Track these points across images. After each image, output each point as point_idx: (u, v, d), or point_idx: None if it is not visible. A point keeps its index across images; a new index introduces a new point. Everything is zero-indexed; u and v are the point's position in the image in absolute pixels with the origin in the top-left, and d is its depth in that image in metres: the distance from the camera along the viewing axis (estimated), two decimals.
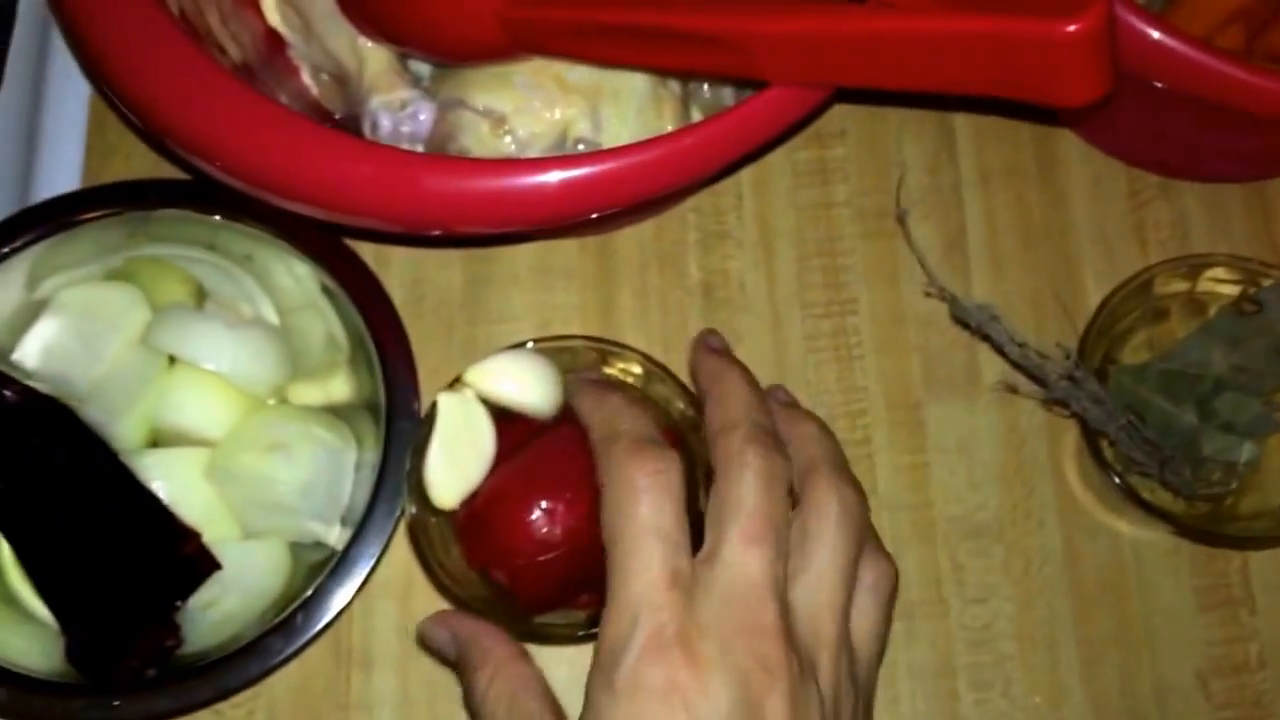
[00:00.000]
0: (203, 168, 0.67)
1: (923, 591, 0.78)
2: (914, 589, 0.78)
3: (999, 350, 0.74)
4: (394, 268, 0.82)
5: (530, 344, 0.71)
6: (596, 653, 0.53)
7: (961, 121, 0.89)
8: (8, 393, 0.70)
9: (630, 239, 0.85)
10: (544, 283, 0.84)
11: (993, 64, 0.58)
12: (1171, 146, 0.85)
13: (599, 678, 0.52)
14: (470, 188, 0.64)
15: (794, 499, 0.57)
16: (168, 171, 0.83)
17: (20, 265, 0.74)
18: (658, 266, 0.84)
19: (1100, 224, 0.86)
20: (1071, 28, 0.54)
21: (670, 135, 0.65)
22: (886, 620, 0.59)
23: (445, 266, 0.84)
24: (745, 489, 0.54)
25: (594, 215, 0.66)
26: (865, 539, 0.58)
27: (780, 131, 0.66)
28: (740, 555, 0.52)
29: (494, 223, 0.66)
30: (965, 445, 0.81)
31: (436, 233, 0.69)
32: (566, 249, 0.85)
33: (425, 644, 0.64)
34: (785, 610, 0.52)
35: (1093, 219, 0.86)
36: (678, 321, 0.83)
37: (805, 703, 0.51)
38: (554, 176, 0.64)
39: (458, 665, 0.60)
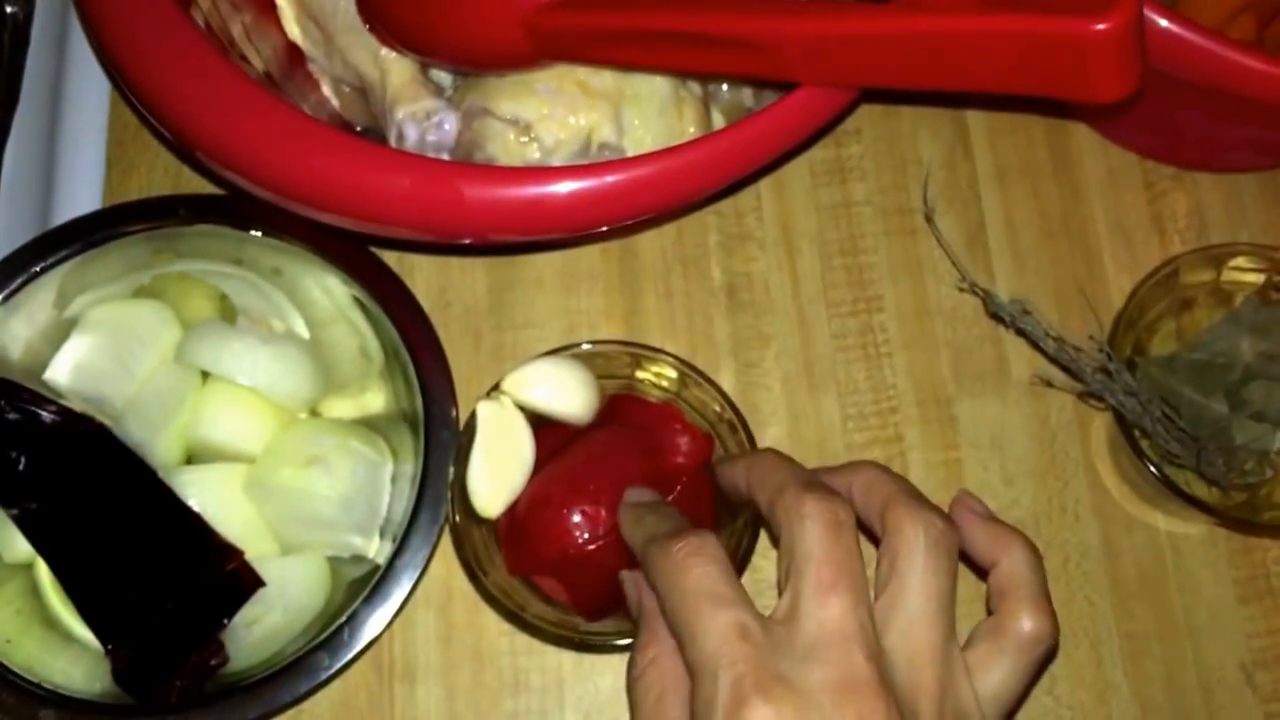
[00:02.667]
0: (238, 182, 0.67)
1: (961, 590, 0.76)
2: None
3: (1034, 344, 0.74)
4: (419, 276, 0.82)
5: (569, 349, 0.72)
6: None
7: (975, 118, 0.89)
8: (45, 413, 0.70)
9: (652, 243, 0.85)
10: (568, 287, 0.84)
11: (1023, 63, 0.58)
12: (1186, 138, 0.85)
13: None
14: (521, 196, 0.64)
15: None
16: (188, 187, 0.84)
17: (49, 284, 0.74)
18: (681, 269, 0.84)
19: (1118, 216, 0.86)
20: (1101, 26, 0.55)
21: (715, 134, 0.66)
22: (1023, 685, 0.55)
23: (470, 273, 0.84)
24: (810, 539, 0.51)
25: (644, 218, 0.66)
26: (956, 567, 0.54)
27: (816, 130, 0.67)
28: (817, 606, 0.50)
29: (544, 229, 0.67)
30: (997, 440, 0.81)
31: (470, 241, 0.69)
32: (589, 254, 0.85)
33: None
34: (877, 656, 0.49)
35: (1110, 211, 0.86)
36: (703, 323, 0.83)
37: None
38: (604, 180, 0.64)
39: (634, 626, 0.60)
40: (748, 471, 0.60)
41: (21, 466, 0.69)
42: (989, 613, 0.56)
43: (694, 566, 0.52)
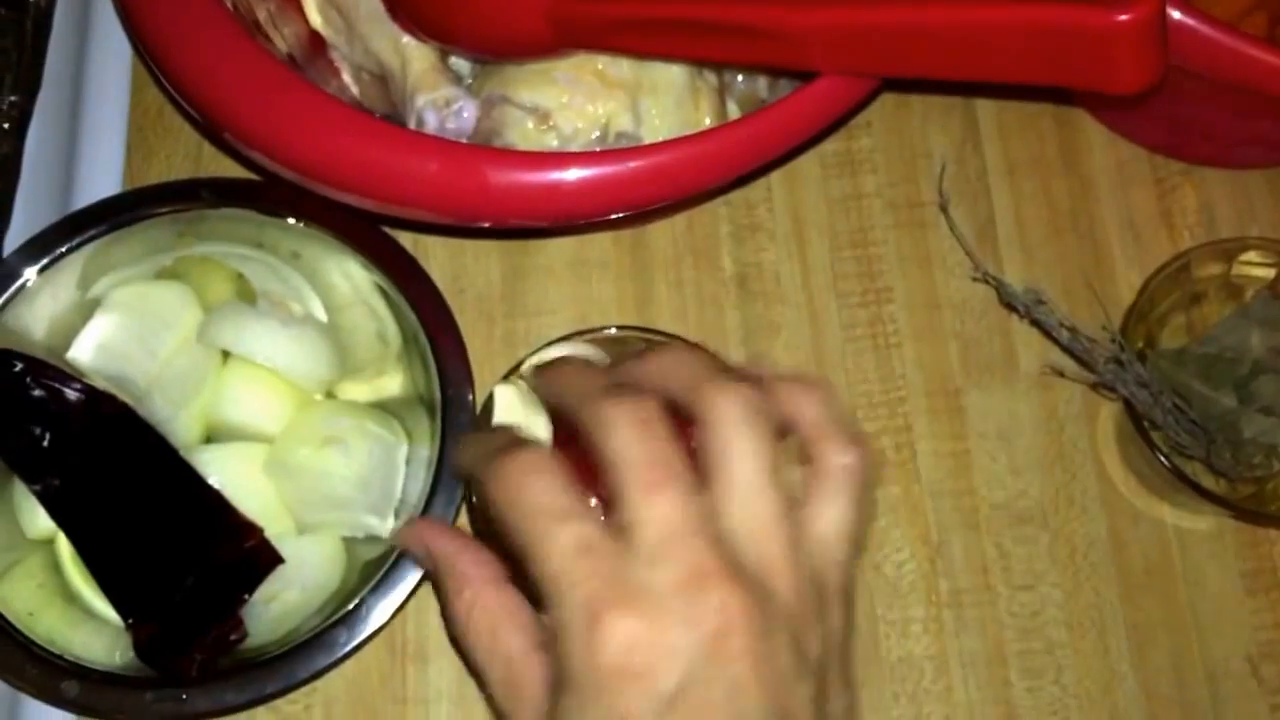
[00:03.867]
0: (266, 164, 0.69)
1: (970, 579, 0.78)
2: (961, 576, 0.79)
3: (1047, 334, 0.75)
4: (434, 262, 0.83)
5: (586, 333, 0.72)
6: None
7: (985, 112, 0.90)
8: (70, 390, 0.71)
9: (663, 232, 0.86)
10: (580, 275, 0.85)
11: (1045, 53, 0.59)
12: (1197, 133, 0.86)
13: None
14: (547, 180, 0.65)
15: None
16: (207, 171, 0.85)
17: (74, 265, 0.75)
18: (692, 259, 0.85)
19: (1127, 211, 0.87)
20: (1124, 17, 0.56)
21: (740, 121, 0.68)
22: (855, 513, 0.53)
23: (483, 260, 0.85)
24: (621, 444, 0.50)
25: (668, 203, 0.67)
26: (773, 432, 0.51)
27: (837, 118, 0.68)
28: (646, 508, 0.48)
29: (568, 214, 0.68)
30: (1005, 431, 0.82)
31: (492, 225, 0.70)
32: (601, 242, 0.86)
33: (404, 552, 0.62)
34: (719, 542, 0.48)
35: (1119, 206, 0.87)
36: (714, 313, 0.84)
37: (769, 633, 0.47)
38: (629, 165, 0.66)
39: (435, 584, 0.58)
40: (549, 386, 0.60)
41: (46, 443, 0.70)
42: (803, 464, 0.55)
43: (530, 483, 0.50)
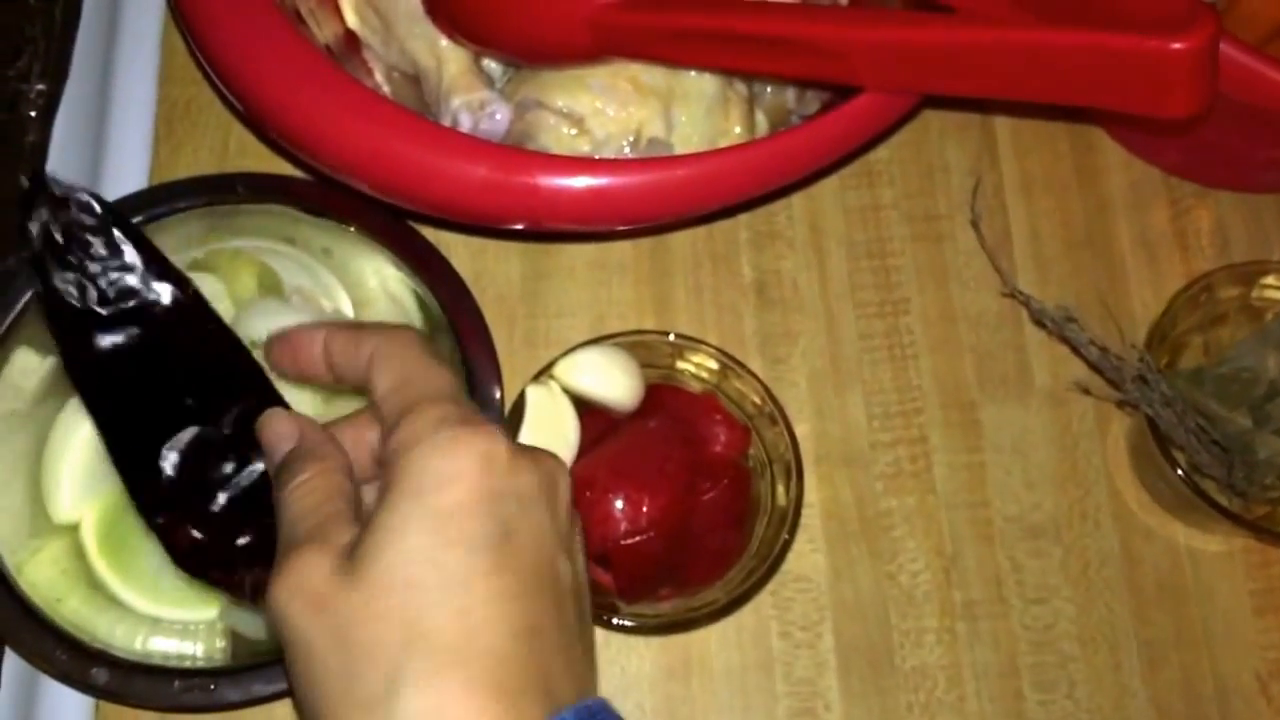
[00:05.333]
0: (311, 161, 0.69)
1: (983, 591, 0.79)
2: (974, 588, 0.80)
3: (1076, 351, 0.76)
4: (455, 260, 0.82)
5: (616, 336, 0.73)
6: None
7: (1002, 130, 0.91)
8: (140, 257, 0.64)
9: (683, 238, 0.87)
10: (600, 278, 0.86)
11: (1093, 76, 0.60)
12: (1216, 156, 0.87)
13: None
14: (595, 186, 0.66)
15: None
16: (234, 165, 0.86)
17: None
18: (711, 265, 0.86)
19: (1142, 231, 0.88)
20: (1179, 45, 0.57)
21: (791, 130, 0.69)
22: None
23: (505, 261, 0.86)
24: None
25: (714, 209, 0.68)
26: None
27: (880, 132, 0.69)
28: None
29: (616, 219, 0.70)
30: (1020, 445, 0.83)
31: (534, 228, 0.71)
32: (621, 246, 0.87)
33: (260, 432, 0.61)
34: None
35: (1134, 226, 0.88)
36: (731, 319, 0.85)
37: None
38: (675, 173, 0.67)
39: (283, 462, 0.58)
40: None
41: (105, 312, 0.64)
42: None
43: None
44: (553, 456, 0.54)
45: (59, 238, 0.62)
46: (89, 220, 0.63)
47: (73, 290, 0.62)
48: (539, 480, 0.52)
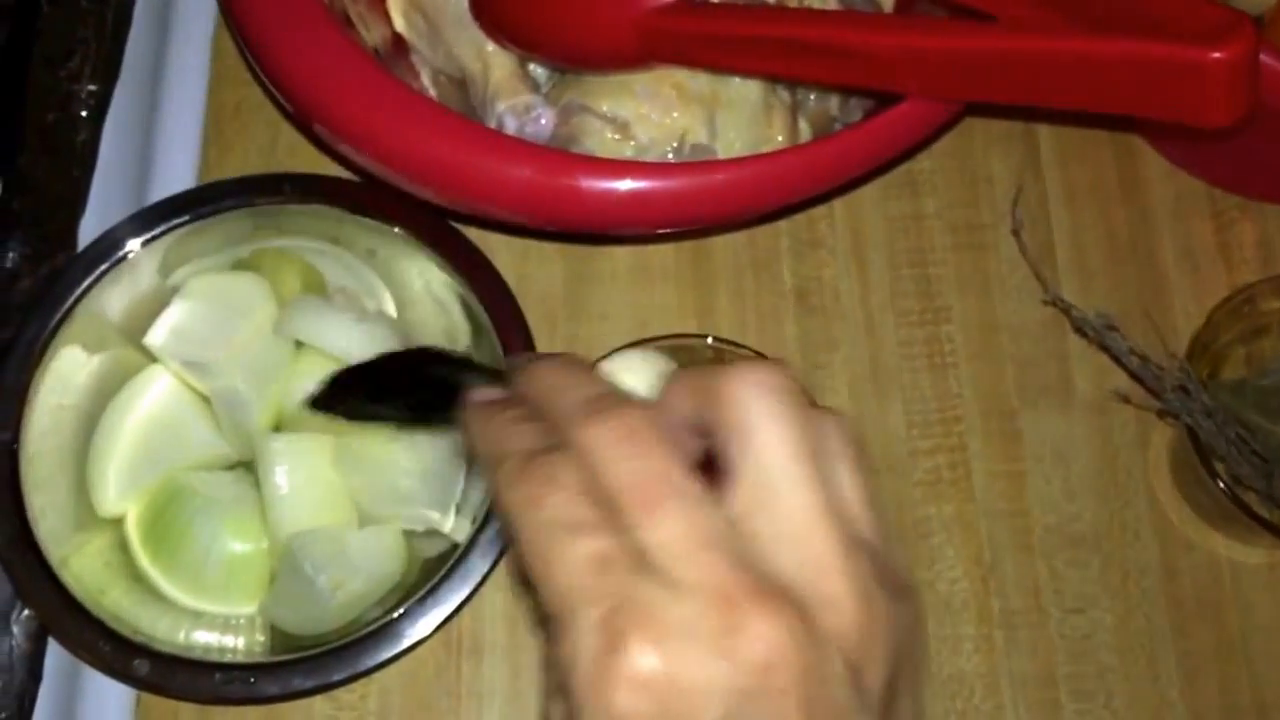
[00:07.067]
0: (356, 158, 0.70)
1: (1022, 600, 0.79)
2: (1013, 597, 0.80)
3: (1116, 360, 0.76)
4: (497, 262, 0.83)
5: (658, 339, 0.73)
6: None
7: (1046, 140, 0.91)
8: None
9: (725, 244, 0.87)
10: (642, 282, 0.87)
11: (1134, 85, 0.60)
12: (1261, 168, 0.87)
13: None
14: (642, 189, 0.67)
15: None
16: (282, 168, 0.86)
17: (155, 253, 0.76)
18: (752, 272, 0.86)
19: (1185, 243, 0.88)
20: (1218, 54, 0.57)
21: (837, 135, 0.70)
22: (869, 481, 0.44)
23: (548, 264, 0.86)
24: (609, 464, 0.41)
25: (761, 213, 0.68)
26: (807, 410, 0.43)
27: (922, 139, 0.69)
28: (651, 532, 0.40)
29: (661, 223, 0.70)
30: (1060, 455, 0.83)
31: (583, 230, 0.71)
32: (663, 252, 0.87)
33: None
34: (746, 556, 0.40)
35: (1178, 238, 0.88)
36: (773, 325, 0.85)
37: (820, 663, 0.39)
38: (715, 177, 0.67)
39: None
40: (535, 384, 0.48)
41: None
42: None
43: (546, 503, 0.42)
44: (759, 612, 0.39)
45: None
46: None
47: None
48: (734, 674, 0.39)
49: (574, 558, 0.40)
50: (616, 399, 0.44)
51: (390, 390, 0.58)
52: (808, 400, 0.43)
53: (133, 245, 0.75)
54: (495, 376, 0.52)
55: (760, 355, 0.74)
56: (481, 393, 0.51)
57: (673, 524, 0.40)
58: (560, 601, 0.40)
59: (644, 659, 0.38)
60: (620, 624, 0.38)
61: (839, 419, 0.44)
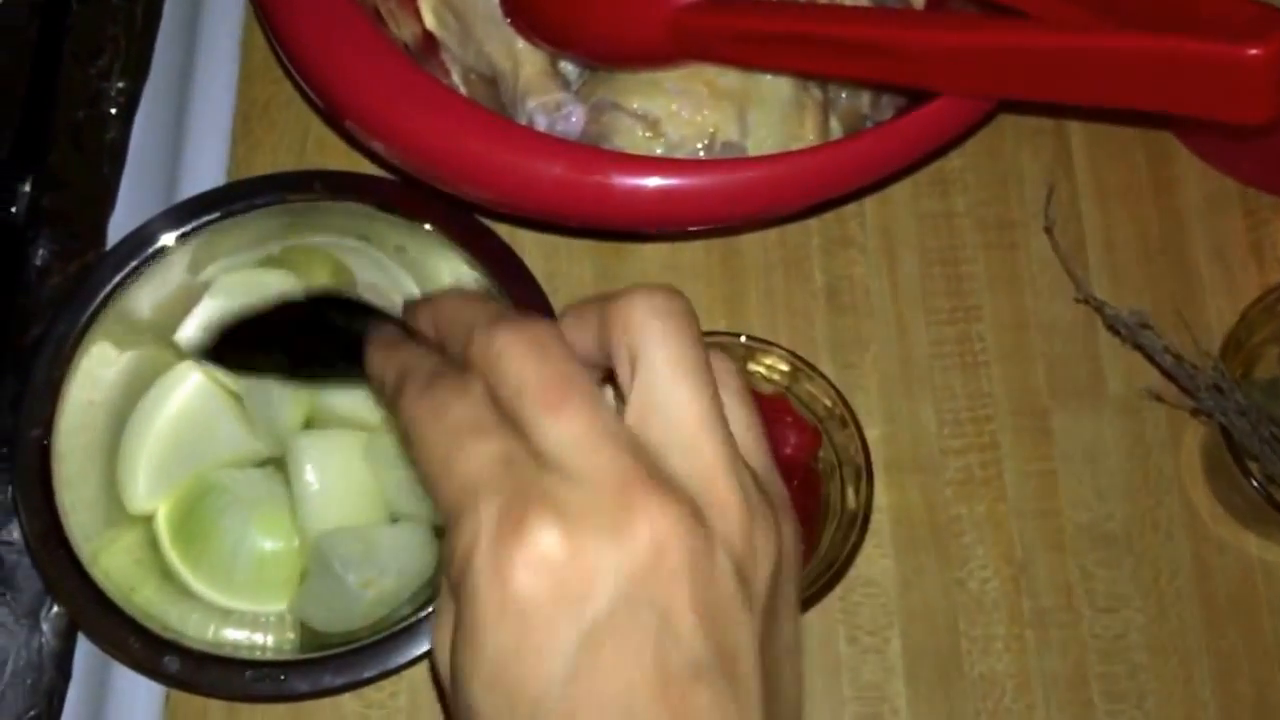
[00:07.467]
0: (387, 154, 0.70)
1: (1053, 599, 0.79)
2: (1044, 596, 0.79)
3: (1150, 359, 0.76)
4: (528, 258, 0.82)
5: None
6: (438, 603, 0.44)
7: (1076, 136, 0.90)
8: None
9: (755, 242, 0.87)
10: (671, 280, 0.86)
11: (1169, 82, 0.60)
12: None
13: (446, 618, 0.43)
14: (673, 186, 0.67)
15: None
16: (311, 165, 0.86)
17: (186, 250, 0.76)
18: (783, 270, 0.86)
19: (1217, 242, 0.87)
20: (1255, 51, 0.56)
21: (875, 130, 0.70)
22: (754, 411, 0.47)
23: (577, 261, 0.86)
24: (516, 370, 0.42)
25: (791, 210, 0.68)
26: (696, 328, 0.44)
27: (954, 137, 0.69)
28: (552, 427, 0.41)
29: (692, 220, 0.70)
30: (1091, 454, 0.82)
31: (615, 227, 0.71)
32: (693, 249, 0.87)
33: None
34: (640, 451, 0.41)
35: (1210, 237, 0.88)
36: (803, 323, 0.85)
37: (709, 553, 0.41)
38: (748, 175, 0.67)
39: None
40: (434, 316, 0.50)
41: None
42: None
43: (453, 404, 0.43)
44: (653, 501, 0.40)
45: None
46: None
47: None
48: (627, 558, 0.40)
49: (476, 455, 0.41)
50: (517, 314, 0.45)
51: (284, 340, 0.58)
52: (699, 328, 0.44)
53: (164, 241, 0.75)
54: (392, 320, 0.53)
55: (792, 353, 0.74)
56: (383, 330, 0.52)
57: (573, 420, 0.41)
58: (460, 496, 0.41)
59: (544, 539, 0.39)
60: (520, 508, 0.39)
61: (727, 359, 0.46)
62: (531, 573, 0.39)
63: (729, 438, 0.43)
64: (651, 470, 0.41)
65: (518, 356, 0.42)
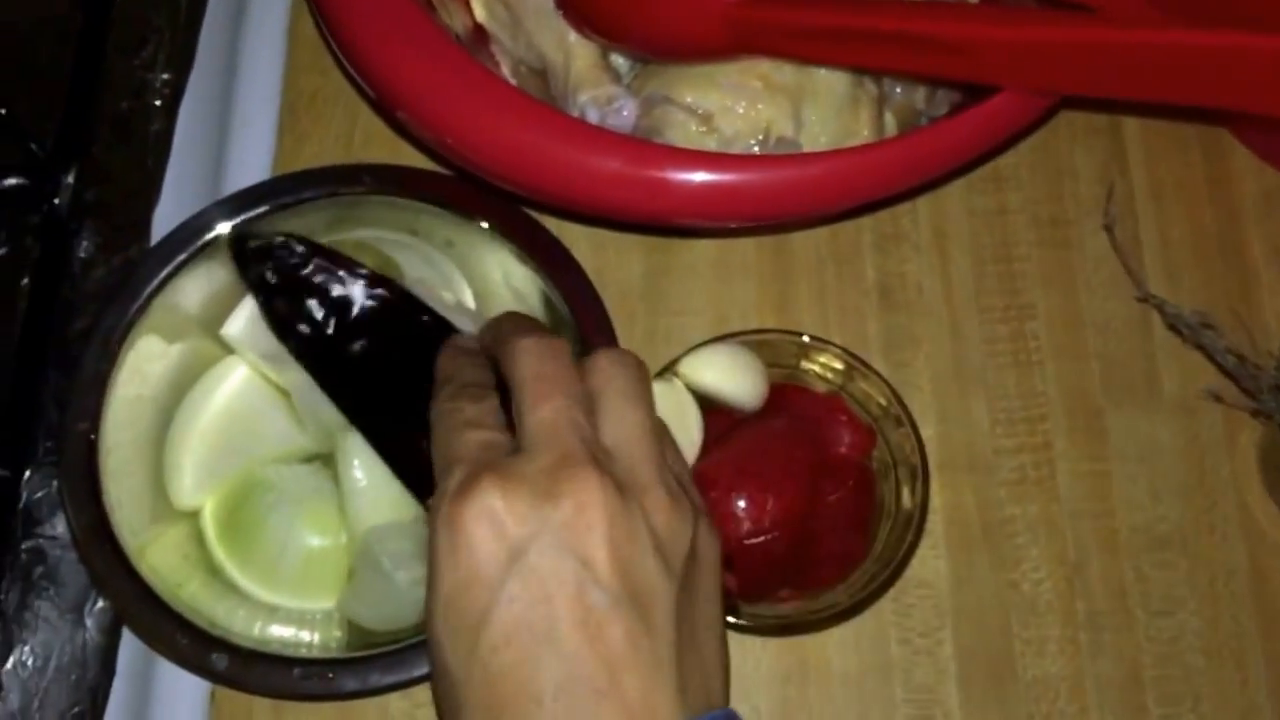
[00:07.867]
0: (439, 148, 0.70)
1: (1107, 601, 0.78)
2: (1098, 598, 0.78)
3: (1211, 359, 0.75)
4: (577, 253, 0.81)
5: (741, 335, 0.73)
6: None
7: (1131, 134, 0.89)
8: (353, 276, 0.72)
9: (806, 239, 0.86)
10: (722, 277, 0.85)
11: (1234, 78, 0.59)
12: None
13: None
14: (730, 183, 0.66)
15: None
16: (359, 158, 0.86)
17: None
18: (834, 267, 0.85)
19: (1275, 240, 0.86)
20: None
21: (926, 129, 0.69)
22: (648, 413, 0.56)
23: (626, 257, 0.85)
24: (523, 366, 0.55)
25: (847, 207, 0.67)
26: (646, 376, 0.57)
27: (1015, 133, 0.68)
28: (531, 412, 0.53)
29: (747, 216, 0.70)
30: (1146, 455, 0.81)
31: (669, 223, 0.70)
32: (744, 246, 0.86)
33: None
34: (591, 440, 0.52)
35: (1267, 235, 0.86)
36: (855, 321, 0.84)
37: (628, 517, 0.50)
38: (807, 170, 0.66)
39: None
40: (491, 329, 0.64)
41: (330, 330, 0.71)
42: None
43: (467, 406, 0.57)
44: (585, 470, 0.52)
45: (274, 280, 0.71)
46: (293, 259, 0.72)
47: (304, 326, 0.70)
48: (555, 511, 0.51)
49: (465, 442, 0.54)
50: (543, 329, 0.60)
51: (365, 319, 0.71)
52: (647, 374, 0.58)
53: (212, 234, 0.74)
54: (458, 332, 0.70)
55: (847, 351, 0.73)
56: (459, 337, 0.68)
57: (550, 410, 0.53)
58: (441, 470, 0.54)
59: (488, 496, 0.50)
60: (476, 475, 0.51)
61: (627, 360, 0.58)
62: (475, 522, 0.49)
63: (660, 449, 0.54)
64: (594, 454, 0.51)
65: (528, 358, 0.55)
